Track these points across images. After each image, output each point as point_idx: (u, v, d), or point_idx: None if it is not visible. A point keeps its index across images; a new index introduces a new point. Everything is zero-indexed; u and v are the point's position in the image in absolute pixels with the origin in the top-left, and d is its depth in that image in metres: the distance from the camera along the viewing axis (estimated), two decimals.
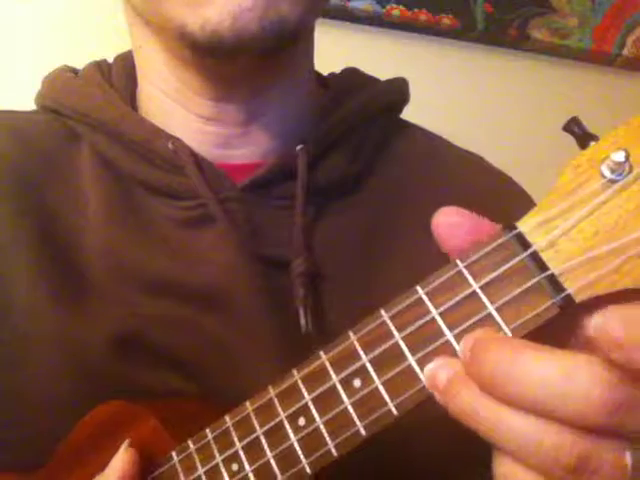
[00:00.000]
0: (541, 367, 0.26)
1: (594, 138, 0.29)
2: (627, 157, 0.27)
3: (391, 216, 0.56)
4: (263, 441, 0.37)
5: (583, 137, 0.30)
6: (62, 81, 0.58)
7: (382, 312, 0.33)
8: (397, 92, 0.61)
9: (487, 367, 0.28)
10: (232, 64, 0.49)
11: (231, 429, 0.38)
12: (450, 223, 0.32)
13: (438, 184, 0.58)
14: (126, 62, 0.58)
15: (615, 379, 0.25)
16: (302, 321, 0.48)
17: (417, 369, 0.31)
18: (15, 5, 1.01)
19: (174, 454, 0.41)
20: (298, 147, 0.53)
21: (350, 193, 0.56)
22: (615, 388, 0.25)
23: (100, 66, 0.59)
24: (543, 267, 0.29)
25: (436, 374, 0.30)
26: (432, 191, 0.57)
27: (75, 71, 0.60)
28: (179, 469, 0.40)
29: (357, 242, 0.54)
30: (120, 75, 0.58)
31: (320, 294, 0.51)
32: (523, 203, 0.58)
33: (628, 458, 0.26)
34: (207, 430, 0.40)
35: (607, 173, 0.28)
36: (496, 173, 0.64)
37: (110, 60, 0.61)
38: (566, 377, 0.26)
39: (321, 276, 0.51)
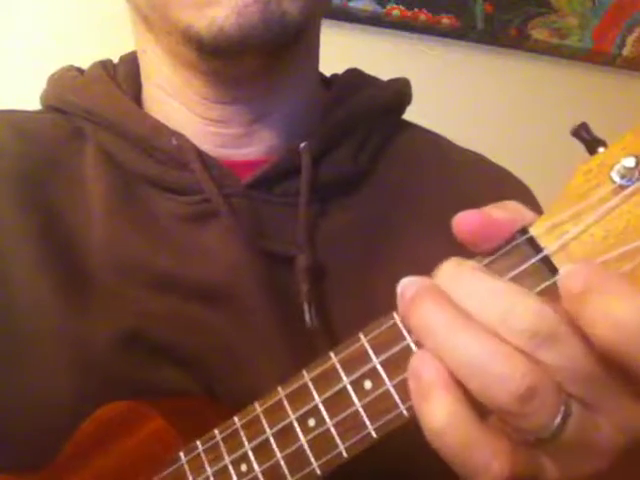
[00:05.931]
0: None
1: (603, 144, 0.30)
2: (637, 163, 0.28)
3: (394, 213, 0.56)
4: (272, 442, 0.37)
5: (592, 143, 0.30)
6: (67, 80, 0.58)
7: (394, 314, 0.33)
8: (399, 92, 0.61)
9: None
10: (238, 65, 0.49)
11: (240, 430, 0.38)
12: (470, 231, 0.32)
13: (440, 182, 0.58)
14: (131, 63, 0.59)
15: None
16: (306, 316, 0.49)
17: None
18: (15, 4, 1.01)
19: (182, 454, 0.41)
20: (302, 144, 0.53)
21: (353, 190, 0.56)
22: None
23: (105, 65, 0.59)
24: (554, 270, 0.29)
25: (405, 289, 0.31)
26: (434, 189, 0.57)
27: (80, 71, 0.60)
28: (187, 469, 0.40)
29: (360, 238, 0.54)
30: (125, 75, 0.58)
31: (324, 290, 0.51)
32: (525, 198, 0.59)
33: (559, 411, 0.26)
34: (216, 430, 0.40)
35: (617, 179, 0.28)
36: (497, 169, 0.64)
37: (115, 60, 0.61)
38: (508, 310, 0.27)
39: (325, 272, 0.52)
